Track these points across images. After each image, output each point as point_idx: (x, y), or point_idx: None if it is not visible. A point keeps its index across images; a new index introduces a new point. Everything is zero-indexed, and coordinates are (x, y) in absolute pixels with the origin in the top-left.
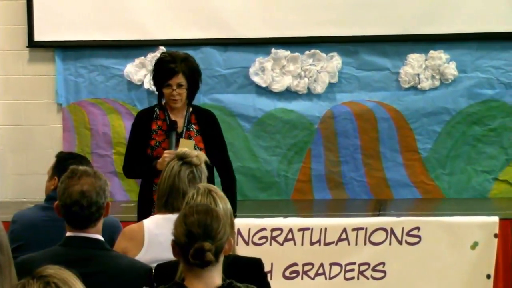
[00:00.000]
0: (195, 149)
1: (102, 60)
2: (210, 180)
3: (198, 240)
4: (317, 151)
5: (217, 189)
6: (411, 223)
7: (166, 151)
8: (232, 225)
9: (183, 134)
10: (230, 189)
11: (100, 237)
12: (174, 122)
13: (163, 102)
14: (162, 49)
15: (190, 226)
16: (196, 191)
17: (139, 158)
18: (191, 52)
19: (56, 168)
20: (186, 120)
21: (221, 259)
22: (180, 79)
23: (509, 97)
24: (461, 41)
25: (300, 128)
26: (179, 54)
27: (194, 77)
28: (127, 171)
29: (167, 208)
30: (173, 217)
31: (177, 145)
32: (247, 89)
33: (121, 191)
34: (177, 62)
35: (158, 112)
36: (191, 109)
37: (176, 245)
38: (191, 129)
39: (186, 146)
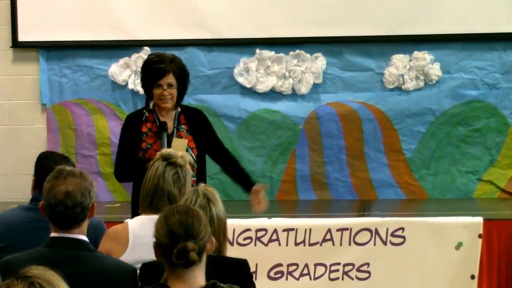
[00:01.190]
0: (187, 149)
1: (86, 60)
2: (202, 172)
3: (181, 240)
4: (301, 152)
5: (215, 195)
6: (395, 223)
7: (158, 152)
8: (224, 231)
9: (174, 135)
10: (239, 169)
11: (84, 237)
12: (163, 123)
13: (151, 104)
14: (147, 49)
15: (171, 227)
16: (194, 196)
17: (131, 162)
18: (175, 52)
19: (35, 168)
20: (176, 121)
21: (204, 258)
22: (171, 78)
23: (493, 97)
24: (445, 42)
25: (285, 128)
26: (166, 54)
27: (183, 77)
28: (120, 175)
29: (151, 208)
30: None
31: (169, 146)
32: (231, 89)
33: (105, 192)
34: (166, 62)
35: (147, 115)
36: (179, 110)
37: (158, 247)
38: (181, 129)
39: (179, 145)
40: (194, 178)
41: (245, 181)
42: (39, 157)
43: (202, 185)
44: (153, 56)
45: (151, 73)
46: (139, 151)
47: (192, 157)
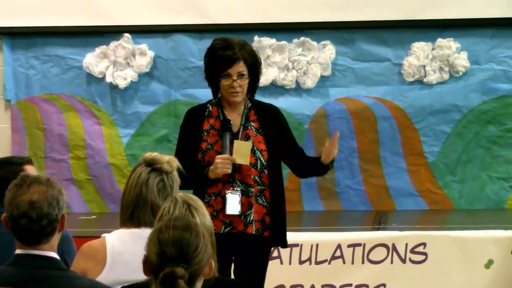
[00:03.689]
0: (253, 151)
1: (57, 49)
2: (275, 182)
3: (170, 262)
4: None
5: (198, 202)
6: (416, 238)
7: (218, 156)
8: (212, 243)
9: (240, 134)
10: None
11: (55, 255)
12: (227, 120)
13: (218, 96)
14: (127, 36)
15: (163, 245)
16: (173, 204)
17: (189, 165)
18: (160, 40)
19: None
20: (244, 117)
21: (199, 284)
22: (241, 67)
23: None
24: (473, 27)
25: None
26: (234, 39)
27: (255, 65)
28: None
29: (132, 221)
30: (140, 232)
31: (231, 148)
32: None
33: (79, 202)
34: (235, 48)
35: (210, 109)
36: (249, 104)
37: (147, 263)
38: (249, 127)
39: (242, 149)
40: (260, 187)
41: (313, 159)
42: (0, 162)
43: (181, 193)
44: (218, 41)
45: (218, 61)
46: (199, 153)
47: (262, 161)
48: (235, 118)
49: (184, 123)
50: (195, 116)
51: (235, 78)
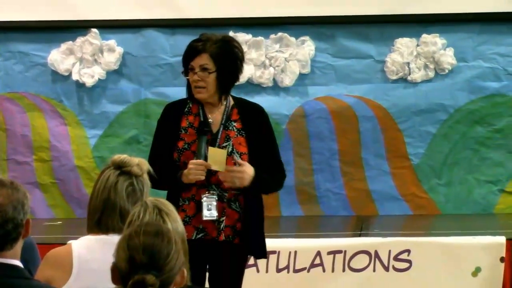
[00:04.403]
0: (231, 153)
1: (20, 45)
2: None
3: (140, 270)
4: (285, 158)
5: (169, 206)
6: (399, 245)
7: (191, 162)
8: (185, 251)
9: (219, 135)
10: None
11: (18, 262)
12: (204, 123)
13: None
14: (95, 32)
15: (133, 251)
16: (143, 209)
17: (164, 165)
18: (130, 36)
19: None
20: (225, 116)
21: None
22: (204, 60)
23: None
24: (460, 23)
25: None
26: (215, 34)
27: (224, 59)
28: (154, 181)
29: (100, 227)
30: (108, 238)
31: (207, 153)
32: None
33: (43, 207)
34: (207, 41)
35: (191, 106)
36: (232, 102)
37: (116, 271)
38: (230, 127)
39: (217, 157)
40: (235, 192)
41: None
42: None
43: (151, 197)
44: (201, 34)
45: (185, 52)
46: (174, 152)
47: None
48: (215, 117)
49: (161, 119)
50: (174, 111)
51: (197, 70)
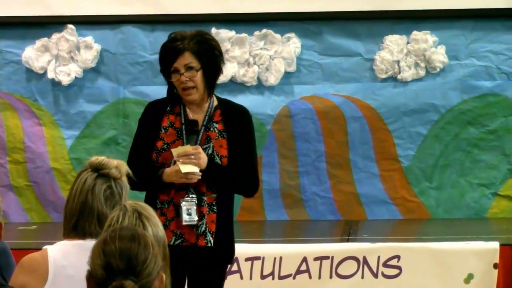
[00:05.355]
0: (212, 156)
1: None
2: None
3: (118, 276)
4: (269, 159)
5: (149, 210)
6: (389, 250)
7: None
8: (165, 255)
9: (200, 135)
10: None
11: None
12: (193, 122)
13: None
14: (71, 28)
15: (109, 257)
16: (122, 213)
17: (145, 164)
18: (108, 32)
19: None
20: (207, 116)
21: None
22: (188, 59)
23: None
24: (452, 19)
25: None
26: (190, 31)
27: (207, 54)
28: (132, 182)
29: (77, 232)
30: (85, 244)
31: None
32: None
33: (18, 210)
34: (181, 40)
35: (174, 104)
36: (216, 103)
37: (91, 278)
38: (211, 129)
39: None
40: (214, 195)
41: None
42: None
43: (130, 201)
44: (172, 34)
45: (163, 56)
46: (153, 152)
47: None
48: (197, 117)
49: (142, 117)
50: (155, 110)
51: (182, 71)
